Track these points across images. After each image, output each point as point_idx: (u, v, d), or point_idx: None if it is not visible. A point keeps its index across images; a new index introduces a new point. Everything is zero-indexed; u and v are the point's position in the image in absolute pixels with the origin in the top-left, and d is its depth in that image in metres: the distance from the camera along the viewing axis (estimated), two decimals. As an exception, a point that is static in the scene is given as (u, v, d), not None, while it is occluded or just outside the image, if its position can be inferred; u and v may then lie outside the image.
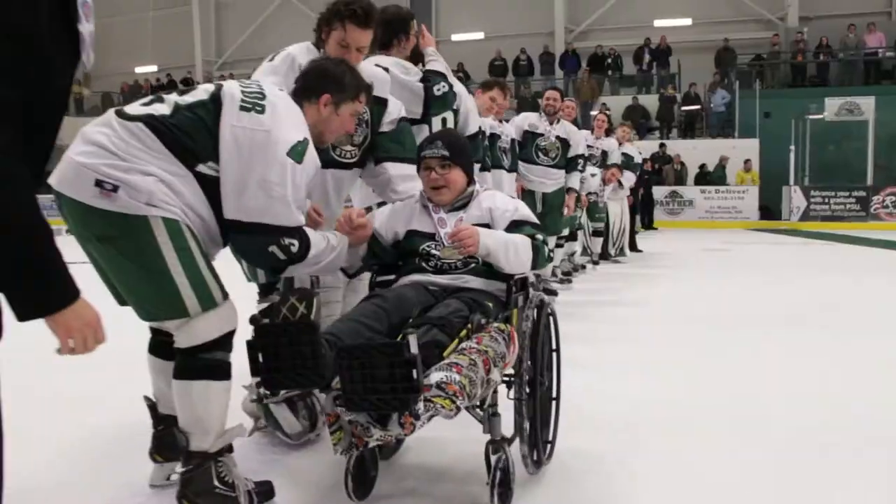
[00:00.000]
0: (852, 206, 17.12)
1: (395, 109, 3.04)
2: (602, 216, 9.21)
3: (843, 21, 20.24)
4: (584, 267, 8.68)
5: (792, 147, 17.62)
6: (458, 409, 1.92)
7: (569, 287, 7.38)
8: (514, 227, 2.64)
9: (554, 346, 2.77)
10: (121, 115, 2.13)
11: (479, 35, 23.54)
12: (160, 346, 2.35)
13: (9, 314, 1.30)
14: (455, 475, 2.62)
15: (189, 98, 2.24)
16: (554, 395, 2.77)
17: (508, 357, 2.30)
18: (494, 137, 5.53)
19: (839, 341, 4.87)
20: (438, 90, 3.37)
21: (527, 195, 6.37)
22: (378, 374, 1.81)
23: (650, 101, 20.69)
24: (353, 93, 2.49)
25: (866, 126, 17.69)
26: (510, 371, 2.42)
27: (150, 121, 2.13)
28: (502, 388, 2.41)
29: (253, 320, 1.94)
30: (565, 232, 7.30)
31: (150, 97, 2.27)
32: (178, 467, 2.22)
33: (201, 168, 2.17)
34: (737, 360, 4.42)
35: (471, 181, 2.77)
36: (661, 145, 18.76)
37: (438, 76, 3.41)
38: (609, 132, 9.64)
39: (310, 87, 2.46)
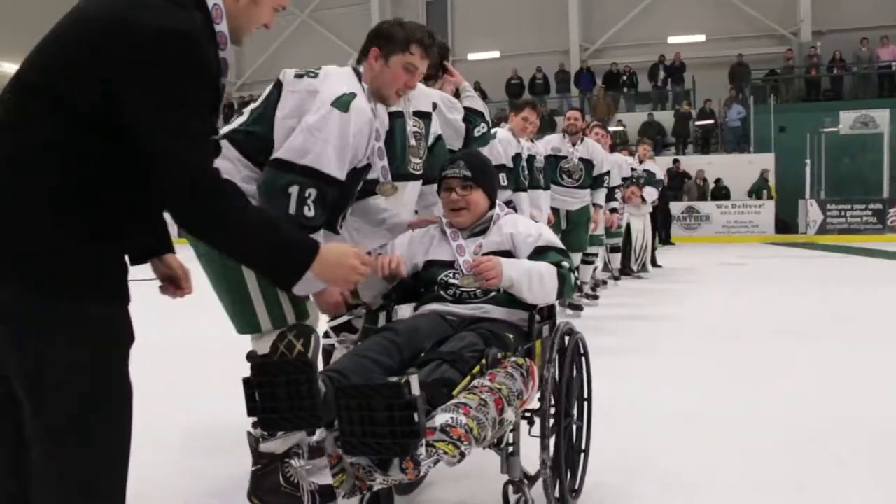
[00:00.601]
0: (869, 218, 17.24)
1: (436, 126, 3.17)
2: (619, 232, 9.43)
3: (855, 35, 20.41)
4: (605, 282, 8.90)
5: (808, 161, 17.79)
6: (463, 455, 1.79)
7: (595, 303, 7.59)
8: (538, 253, 2.54)
9: (585, 395, 2.69)
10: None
11: (495, 54, 23.88)
12: None
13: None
14: None
15: (259, 99, 2.39)
16: (584, 446, 2.69)
17: (527, 394, 2.19)
18: (532, 158, 5.74)
19: (855, 352, 5.10)
20: (478, 131, 3.55)
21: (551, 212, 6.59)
22: (377, 416, 1.65)
23: (666, 118, 20.90)
24: (403, 44, 2.40)
25: (881, 139, 17.84)
26: (534, 405, 2.34)
27: (229, 134, 2.28)
28: (523, 425, 2.35)
29: (249, 357, 1.82)
30: (593, 249, 7.53)
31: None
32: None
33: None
34: (756, 371, 4.65)
35: (492, 205, 2.68)
36: (675, 161, 18.95)
37: (478, 115, 3.59)
38: (614, 148, 9.82)
39: (363, 48, 2.46)
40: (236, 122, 2.36)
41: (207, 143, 1.59)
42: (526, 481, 2.27)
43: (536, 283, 2.41)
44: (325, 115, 2.16)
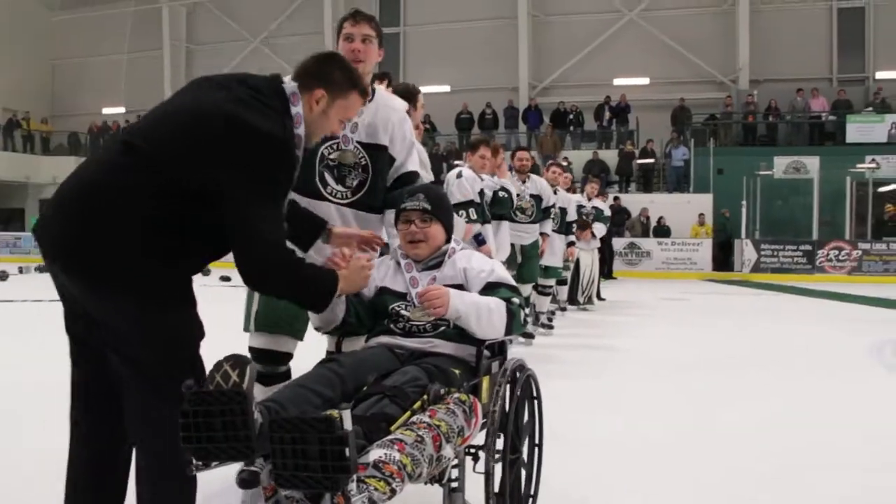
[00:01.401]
0: (799, 259, 18.02)
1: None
2: (568, 266, 9.80)
3: (791, 85, 21.50)
4: (553, 313, 9.23)
5: (743, 202, 18.59)
6: (394, 491, 1.77)
7: (550, 333, 7.90)
8: (489, 289, 2.53)
9: (536, 441, 2.69)
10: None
11: (446, 88, 24.37)
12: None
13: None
14: None
15: None
16: (532, 492, 2.68)
17: (469, 431, 2.17)
18: (494, 193, 6.10)
19: (788, 379, 5.50)
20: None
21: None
22: (309, 450, 1.64)
23: (610, 156, 21.59)
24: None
25: (812, 184, 18.78)
26: (479, 441, 2.34)
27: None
28: (469, 461, 2.37)
29: (185, 386, 1.79)
30: (550, 281, 7.88)
31: None
32: None
33: None
34: (704, 399, 4.98)
35: (448, 239, 2.69)
36: (616, 198, 19.54)
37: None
38: (572, 186, 10.27)
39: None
40: None
41: (282, 225, 2.08)
42: None
43: (485, 316, 2.40)
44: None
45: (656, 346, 7.38)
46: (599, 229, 10.21)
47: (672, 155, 20.99)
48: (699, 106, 22.07)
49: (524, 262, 7.05)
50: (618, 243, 18.16)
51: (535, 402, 2.65)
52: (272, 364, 2.91)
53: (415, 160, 3.18)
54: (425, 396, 2.08)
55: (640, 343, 7.50)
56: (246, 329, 2.90)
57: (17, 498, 2.90)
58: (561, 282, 9.73)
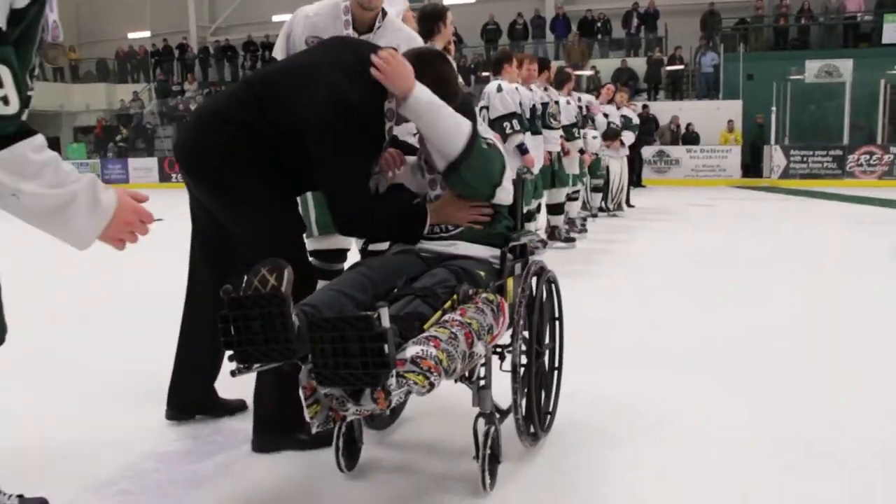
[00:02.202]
0: (829, 164, 17.97)
1: None
2: (602, 173, 10.05)
3: (824, -15, 20.94)
4: (584, 220, 9.51)
5: (773, 108, 18.44)
6: (432, 385, 1.82)
7: (583, 237, 8.19)
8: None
9: (556, 315, 2.77)
10: None
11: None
12: None
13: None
14: (449, 450, 2.59)
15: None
16: (556, 364, 2.79)
17: (497, 329, 2.23)
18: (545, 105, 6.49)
19: (810, 280, 5.80)
20: None
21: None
22: (349, 348, 1.70)
23: (638, 64, 21.37)
24: None
25: (844, 88, 18.50)
26: (505, 341, 2.43)
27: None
28: (495, 360, 2.44)
29: (224, 292, 1.84)
30: (577, 186, 8.17)
31: None
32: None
33: None
34: (728, 298, 5.28)
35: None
36: (645, 107, 19.48)
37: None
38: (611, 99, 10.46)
39: None
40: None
41: (366, 175, 2.46)
42: (497, 415, 2.34)
43: (447, 119, 2.39)
44: None
45: (681, 248, 7.66)
46: (628, 137, 10.39)
47: (701, 61, 20.74)
48: (729, 10, 21.60)
49: (559, 167, 7.33)
50: (647, 151, 18.20)
51: (553, 285, 2.73)
52: (334, 262, 3.27)
53: None
54: (455, 296, 2.15)
55: (665, 246, 7.79)
56: (308, 235, 3.11)
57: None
58: (596, 188, 10.03)
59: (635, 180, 16.86)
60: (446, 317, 2.07)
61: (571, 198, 8.09)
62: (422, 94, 2.35)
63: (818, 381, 3.36)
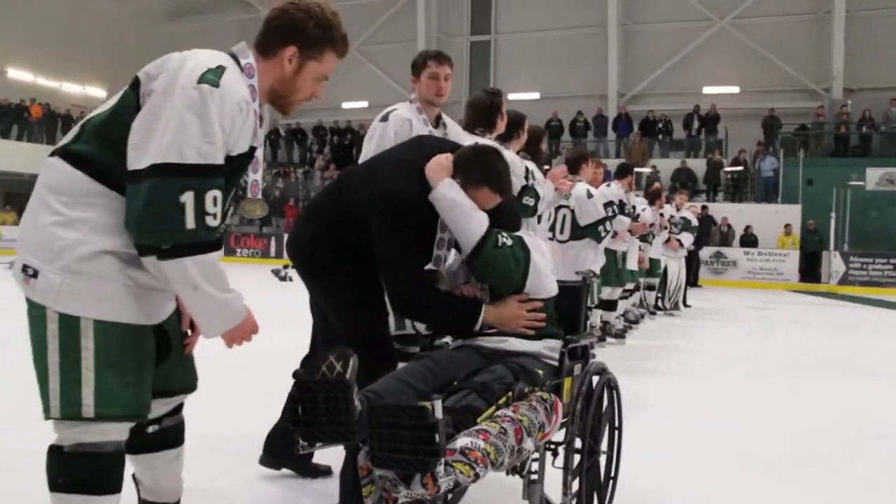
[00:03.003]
0: (890, 272, 17.84)
1: None
2: (659, 272, 10.27)
3: (886, 94, 21.14)
4: (641, 316, 9.70)
5: (833, 214, 18.49)
6: (478, 475, 1.94)
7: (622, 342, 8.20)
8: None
9: (616, 424, 2.85)
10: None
11: (536, 95, 24.78)
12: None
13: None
14: None
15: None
16: (612, 473, 2.85)
17: (549, 427, 2.30)
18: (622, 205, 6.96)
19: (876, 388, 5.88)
20: (526, 200, 4.49)
21: (609, 253, 7.36)
22: (403, 434, 1.84)
23: (697, 165, 21.74)
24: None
25: (905, 197, 18.56)
26: (559, 438, 2.50)
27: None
28: (548, 457, 2.52)
29: (295, 374, 2.03)
30: (630, 285, 8.43)
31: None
32: None
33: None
34: (785, 402, 5.43)
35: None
36: (704, 207, 19.68)
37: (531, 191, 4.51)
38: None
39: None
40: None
41: (417, 266, 2.60)
42: None
43: (460, 220, 2.57)
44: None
45: (737, 349, 7.80)
46: (687, 239, 10.64)
47: (761, 165, 20.97)
48: (789, 115, 21.92)
49: (623, 266, 7.68)
50: (704, 252, 18.30)
51: (615, 403, 2.82)
52: (408, 344, 3.48)
53: None
54: (510, 393, 2.23)
55: (718, 346, 7.95)
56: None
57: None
58: (650, 287, 10.23)
59: (692, 280, 16.98)
60: (499, 412, 2.15)
61: (623, 296, 8.34)
62: (442, 190, 2.54)
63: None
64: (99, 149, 1.90)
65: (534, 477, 2.39)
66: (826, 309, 13.17)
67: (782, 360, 7.17)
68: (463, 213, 2.55)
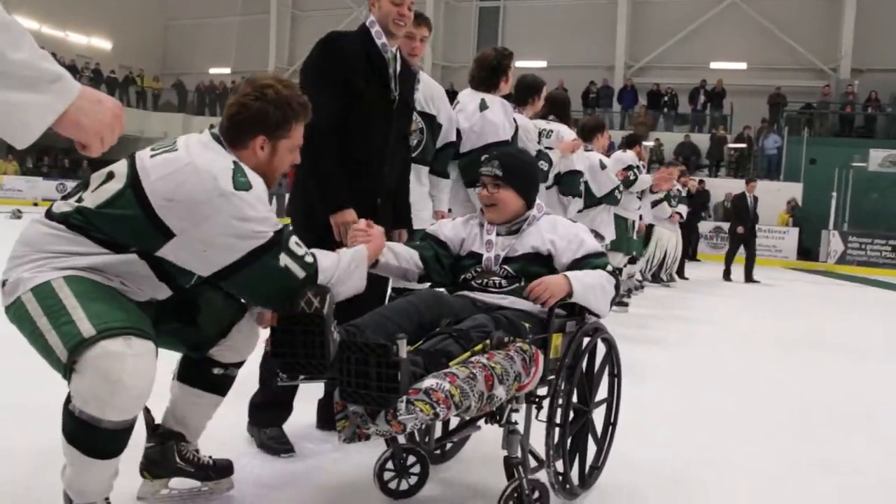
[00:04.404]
0: (888, 253, 17.91)
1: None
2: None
3: (894, 76, 21.10)
4: (642, 285, 9.79)
5: (834, 193, 18.53)
6: (437, 415, 1.94)
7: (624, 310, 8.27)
8: (583, 260, 2.59)
9: (615, 371, 2.83)
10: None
11: (542, 63, 24.64)
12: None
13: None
14: (489, 493, 2.58)
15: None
16: (612, 420, 2.86)
17: (526, 378, 2.26)
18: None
19: (861, 367, 5.96)
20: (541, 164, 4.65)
21: (620, 220, 7.41)
22: (370, 371, 1.91)
23: (701, 140, 21.74)
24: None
25: (907, 178, 18.56)
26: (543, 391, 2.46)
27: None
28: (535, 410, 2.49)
29: (276, 309, 2.13)
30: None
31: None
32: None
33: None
34: (770, 376, 5.51)
35: (528, 206, 2.70)
36: (700, 181, 19.67)
37: (548, 159, 4.66)
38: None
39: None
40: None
41: None
42: (532, 461, 2.42)
43: (600, 295, 2.53)
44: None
45: (732, 322, 7.90)
46: (683, 210, 10.85)
47: (764, 143, 20.95)
48: (796, 94, 21.90)
49: (632, 234, 7.82)
50: (703, 226, 18.34)
51: (613, 355, 2.79)
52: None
53: (453, 133, 3.81)
54: (487, 341, 2.20)
55: (716, 319, 8.05)
56: None
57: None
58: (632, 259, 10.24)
59: (690, 254, 17.05)
60: (473, 358, 2.14)
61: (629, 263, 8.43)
62: (578, 287, 2.46)
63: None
64: (97, 231, 1.99)
65: (512, 427, 2.35)
66: (824, 288, 13.28)
67: (779, 335, 7.26)
68: (599, 286, 2.54)
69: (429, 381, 1.97)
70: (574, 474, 2.61)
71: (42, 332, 1.86)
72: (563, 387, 2.43)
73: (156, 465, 2.38)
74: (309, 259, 2.12)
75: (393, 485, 2.60)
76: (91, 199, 2.01)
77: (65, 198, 2.08)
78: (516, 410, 2.37)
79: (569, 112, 5.77)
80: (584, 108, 22.74)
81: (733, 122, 22.21)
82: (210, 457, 2.44)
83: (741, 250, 12.70)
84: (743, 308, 9.35)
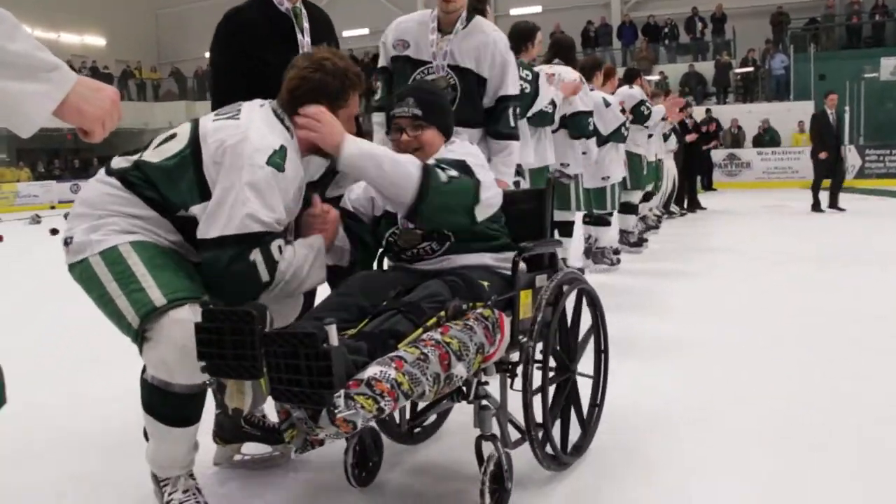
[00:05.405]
0: (907, 163, 17.65)
1: None
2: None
3: (899, -20, 20.56)
4: (659, 221, 9.71)
5: (847, 107, 18.20)
6: (382, 410, 1.67)
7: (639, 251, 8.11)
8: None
9: (602, 347, 2.59)
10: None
11: (537, 9, 24.35)
12: None
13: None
14: (467, 473, 2.36)
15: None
16: (598, 401, 2.61)
17: (491, 348, 2.01)
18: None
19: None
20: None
21: (634, 157, 7.41)
22: (300, 365, 1.62)
23: (706, 68, 21.38)
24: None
25: (922, 84, 18.18)
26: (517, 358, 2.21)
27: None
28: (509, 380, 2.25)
29: (202, 304, 1.88)
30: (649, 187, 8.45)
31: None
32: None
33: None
34: (807, 287, 5.46)
35: (447, 139, 2.42)
36: (708, 111, 19.42)
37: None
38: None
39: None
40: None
41: None
42: (510, 437, 2.21)
43: (389, 170, 2.11)
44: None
45: (752, 245, 7.81)
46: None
47: (771, 63, 20.59)
48: (798, 10, 21.42)
49: (646, 170, 7.77)
50: (717, 155, 18.16)
51: (598, 320, 2.55)
52: None
53: (512, 82, 3.36)
54: (443, 312, 1.95)
55: (742, 244, 7.97)
56: None
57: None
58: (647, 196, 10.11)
59: (706, 184, 16.90)
60: (425, 335, 1.88)
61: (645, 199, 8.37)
62: (353, 147, 2.13)
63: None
64: (151, 189, 2.07)
65: (483, 402, 2.12)
66: (845, 203, 13.09)
67: (819, 253, 7.17)
68: (390, 162, 2.12)
69: (371, 370, 1.72)
70: (557, 441, 2.35)
71: (112, 298, 1.97)
72: (536, 350, 2.19)
73: (225, 431, 2.52)
74: (282, 266, 2.06)
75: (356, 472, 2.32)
76: (151, 155, 2.10)
77: (124, 154, 2.17)
78: (485, 383, 2.16)
79: (573, 55, 5.76)
80: (584, 48, 22.39)
81: (737, 47, 21.80)
82: (276, 422, 2.43)
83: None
84: (770, 233, 9.22)
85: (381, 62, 3.52)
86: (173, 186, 2.05)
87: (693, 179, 12.60)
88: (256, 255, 1.99)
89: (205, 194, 2.03)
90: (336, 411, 1.63)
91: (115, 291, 1.96)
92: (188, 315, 1.91)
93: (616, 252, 6.92)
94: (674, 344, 3.94)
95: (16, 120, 1.29)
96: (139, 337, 1.95)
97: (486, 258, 2.27)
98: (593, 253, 6.60)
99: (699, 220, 10.87)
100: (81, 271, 2.02)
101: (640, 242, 7.80)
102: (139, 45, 30.58)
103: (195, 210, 2.04)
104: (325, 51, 2.24)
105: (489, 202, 2.24)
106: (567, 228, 5.84)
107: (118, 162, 2.13)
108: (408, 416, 2.50)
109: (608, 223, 6.60)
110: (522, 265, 2.28)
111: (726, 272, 6.27)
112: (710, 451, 2.57)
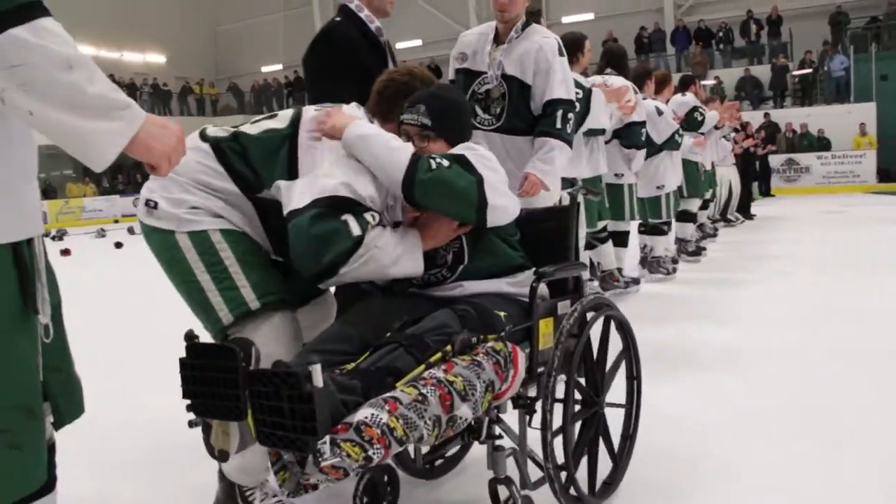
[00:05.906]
0: (975, 164, 17.10)
1: None
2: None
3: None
4: (716, 230, 9.60)
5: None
6: (369, 459, 1.53)
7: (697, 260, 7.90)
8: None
9: (633, 373, 2.41)
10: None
11: (590, 16, 24.28)
12: None
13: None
14: None
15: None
16: (630, 431, 2.41)
17: (503, 385, 1.85)
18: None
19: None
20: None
21: (690, 164, 7.36)
22: (283, 407, 1.50)
23: (762, 72, 21.04)
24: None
25: None
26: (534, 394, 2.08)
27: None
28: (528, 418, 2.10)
29: (186, 336, 1.71)
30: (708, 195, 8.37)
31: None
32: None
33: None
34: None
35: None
36: (766, 115, 19.10)
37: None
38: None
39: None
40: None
41: None
42: (530, 478, 2.07)
43: (383, 155, 2.04)
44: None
45: (809, 254, 7.67)
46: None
47: (830, 65, 20.16)
48: (858, 9, 20.93)
49: (703, 177, 7.73)
50: (775, 160, 17.86)
51: (630, 348, 2.38)
52: None
53: (559, 85, 3.39)
54: (449, 347, 1.80)
55: (803, 251, 7.83)
56: None
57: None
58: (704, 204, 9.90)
59: (764, 190, 16.64)
60: (427, 373, 1.72)
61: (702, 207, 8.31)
62: (353, 129, 2.09)
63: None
64: (242, 162, 2.14)
65: (498, 443, 1.98)
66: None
67: (853, 258, 7.04)
68: (382, 144, 2.05)
69: (362, 413, 1.56)
70: (583, 480, 2.17)
71: (202, 288, 2.05)
72: (558, 383, 2.00)
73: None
74: (373, 232, 1.97)
75: None
76: (250, 128, 2.19)
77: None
78: (499, 421, 2.00)
79: (625, 63, 5.75)
80: (638, 54, 22.28)
81: (794, 49, 21.39)
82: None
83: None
84: (830, 240, 8.99)
85: (450, 75, 3.66)
86: (266, 160, 2.12)
87: (748, 187, 12.42)
88: (348, 217, 1.95)
89: (293, 175, 2.09)
90: (321, 459, 1.50)
91: (207, 284, 2.05)
92: (279, 320, 2.05)
93: (674, 261, 6.90)
94: (733, 354, 3.92)
95: (90, 155, 1.35)
96: (223, 333, 2.05)
97: (502, 284, 2.12)
98: (649, 262, 6.59)
99: (757, 227, 10.70)
100: (163, 242, 2.08)
101: (699, 251, 7.73)
102: (198, 62, 31.43)
103: (282, 184, 2.06)
104: (414, 64, 2.44)
105: (502, 207, 2.09)
106: (622, 238, 5.86)
107: (214, 131, 2.20)
108: (424, 449, 2.35)
109: (664, 232, 6.59)
110: (543, 291, 2.15)
111: (785, 280, 6.17)
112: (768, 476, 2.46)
